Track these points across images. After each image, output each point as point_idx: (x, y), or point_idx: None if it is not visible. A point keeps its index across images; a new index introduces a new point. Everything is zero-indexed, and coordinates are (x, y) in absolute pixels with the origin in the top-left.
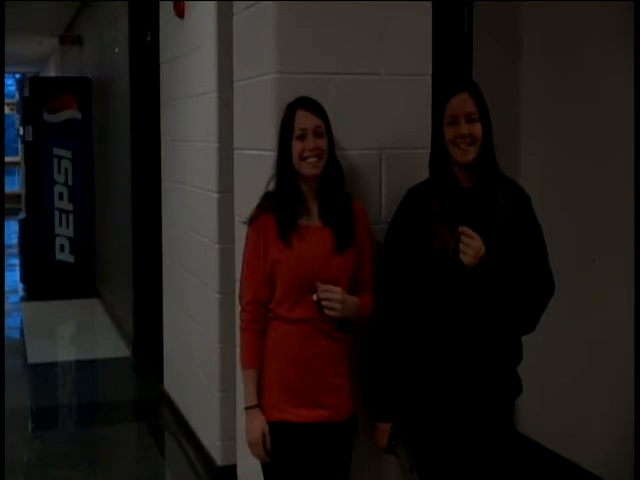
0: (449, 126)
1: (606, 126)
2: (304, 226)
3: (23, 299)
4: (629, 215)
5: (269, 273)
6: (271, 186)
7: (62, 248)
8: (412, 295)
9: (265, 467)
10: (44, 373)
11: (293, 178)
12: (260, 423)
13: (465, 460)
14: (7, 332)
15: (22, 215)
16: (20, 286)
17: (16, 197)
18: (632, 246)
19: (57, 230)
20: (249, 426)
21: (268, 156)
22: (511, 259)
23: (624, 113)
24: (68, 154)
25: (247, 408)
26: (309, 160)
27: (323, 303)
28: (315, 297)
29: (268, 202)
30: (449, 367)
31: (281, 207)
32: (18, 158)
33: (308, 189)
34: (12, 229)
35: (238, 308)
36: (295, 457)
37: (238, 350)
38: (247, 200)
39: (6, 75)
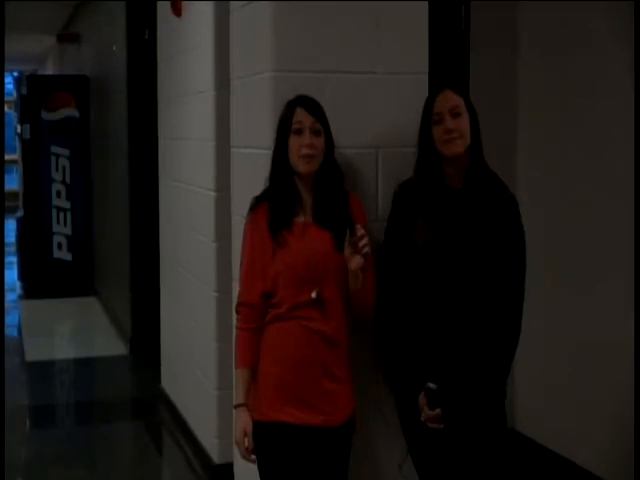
0: (436, 125)
1: (606, 126)
2: (300, 223)
3: (21, 297)
4: (629, 215)
5: (269, 270)
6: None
7: (60, 246)
8: (407, 290)
9: (261, 466)
10: (42, 371)
11: (289, 175)
12: (243, 422)
13: (460, 454)
14: (5, 330)
15: (20, 213)
16: (18, 284)
17: (14, 195)
18: (632, 246)
19: (55, 228)
20: (235, 424)
21: (265, 154)
22: (488, 264)
23: (624, 113)
24: (66, 152)
25: (235, 406)
26: (305, 158)
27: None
28: (314, 294)
29: (264, 202)
30: (442, 359)
31: (275, 204)
32: (16, 156)
33: (304, 186)
34: (10, 227)
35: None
36: (290, 458)
37: (234, 348)
38: (244, 198)
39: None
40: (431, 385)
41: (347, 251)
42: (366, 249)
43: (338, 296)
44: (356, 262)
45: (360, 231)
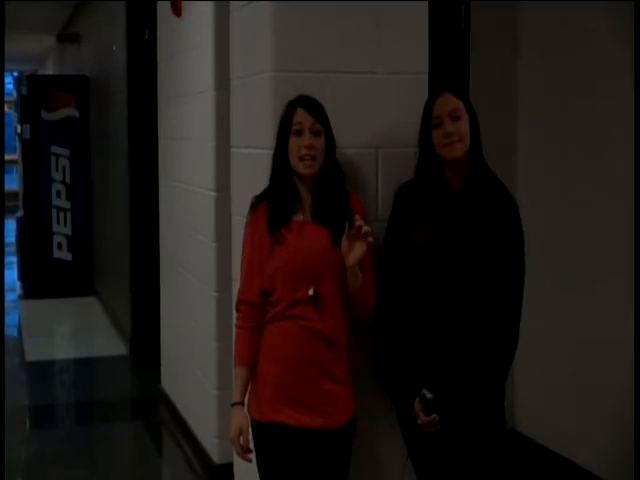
0: (435, 129)
1: (606, 126)
2: (299, 221)
3: (21, 297)
4: (629, 215)
5: (267, 267)
6: None
7: (60, 246)
8: (406, 292)
9: (260, 467)
10: (42, 371)
11: (289, 175)
12: (239, 421)
13: (459, 457)
14: (5, 330)
15: (20, 213)
16: (18, 284)
17: (14, 195)
18: (632, 246)
19: (55, 228)
20: (231, 423)
21: (265, 154)
22: (487, 266)
23: (624, 113)
24: (66, 152)
25: (232, 405)
26: (305, 161)
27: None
28: (311, 291)
29: (263, 201)
30: (440, 362)
31: (274, 203)
32: (16, 156)
33: (304, 186)
34: (10, 227)
35: None
36: (290, 459)
37: (234, 347)
38: (244, 198)
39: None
40: (427, 395)
41: (344, 245)
42: (370, 238)
43: (336, 294)
44: (354, 257)
45: (358, 221)
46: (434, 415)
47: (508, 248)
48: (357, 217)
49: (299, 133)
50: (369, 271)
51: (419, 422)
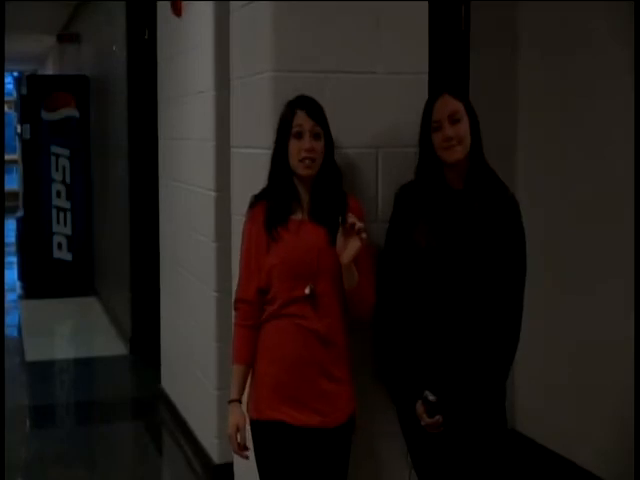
0: (435, 132)
1: (606, 126)
2: (297, 220)
3: (21, 297)
4: (629, 215)
5: (264, 265)
6: None
7: (60, 246)
8: (409, 292)
9: (260, 465)
10: (42, 371)
11: (288, 176)
12: (236, 418)
13: (460, 457)
14: (5, 330)
15: (20, 213)
16: (18, 284)
17: (14, 195)
18: (632, 246)
19: (55, 228)
20: (228, 420)
21: (265, 154)
22: (489, 265)
23: (624, 113)
24: (66, 152)
25: (229, 402)
26: (305, 162)
27: (357, 226)
28: (307, 290)
29: (262, 200)
30: (443, 363)
31: (273, 202)
32: (16, 156)
33: (302, 186)
34: (10, 227)
35: None
36: (289, 457)
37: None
38: (244, 198)
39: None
40: (430, 397)
41: (339, 243)
42: (363, 234)
43: (333, 293)
44: (348, 254)
45: (351, 218)
46: (438, 417)
47: (509, 247)
48: (350, 214)
49: (299, 136)
50: (366, 270)
51: (422, 424)
